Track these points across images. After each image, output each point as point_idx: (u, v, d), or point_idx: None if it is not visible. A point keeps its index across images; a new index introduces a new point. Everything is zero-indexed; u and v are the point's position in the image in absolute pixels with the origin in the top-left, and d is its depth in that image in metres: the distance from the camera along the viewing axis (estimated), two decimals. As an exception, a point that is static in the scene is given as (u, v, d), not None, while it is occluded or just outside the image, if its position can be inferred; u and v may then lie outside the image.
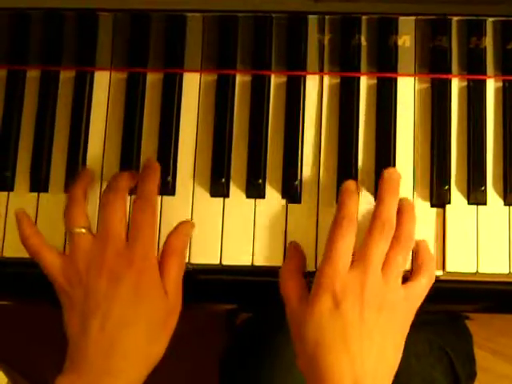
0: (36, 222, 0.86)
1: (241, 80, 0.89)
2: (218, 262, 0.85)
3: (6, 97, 0.90)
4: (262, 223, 0.85)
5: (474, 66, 0.87)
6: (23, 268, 0.86)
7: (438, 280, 0.84)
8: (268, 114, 0.88)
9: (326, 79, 0.88)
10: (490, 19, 0.86)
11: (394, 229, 0.80)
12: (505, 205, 0.85)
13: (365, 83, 0.88)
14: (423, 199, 0.85)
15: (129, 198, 0.84)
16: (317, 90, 0.88)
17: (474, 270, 0.84)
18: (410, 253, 0.82)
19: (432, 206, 0.85)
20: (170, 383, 1.20)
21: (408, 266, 0.82)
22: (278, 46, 0.88)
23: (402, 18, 0.87)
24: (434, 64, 0.88)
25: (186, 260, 0.84)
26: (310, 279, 0.81)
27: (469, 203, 0.85)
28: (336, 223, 0.80)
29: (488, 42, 0.87)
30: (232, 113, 0.88)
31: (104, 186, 0.84)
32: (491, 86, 0.87)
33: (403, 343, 0.79)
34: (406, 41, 0.88)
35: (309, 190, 0.86)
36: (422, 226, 0.83)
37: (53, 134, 0.89)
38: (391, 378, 0.77)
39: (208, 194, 0.86)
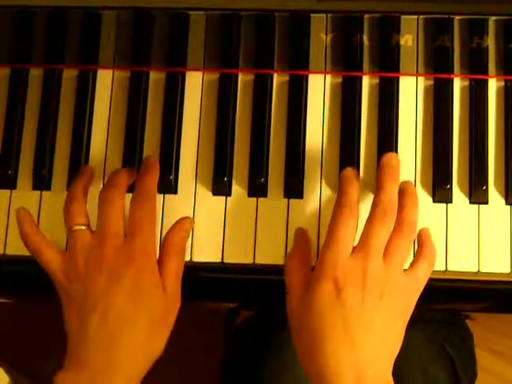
0: (38, 220, 0.86)
1: (243, 79, 0.89)
2: (219, 260, 0.85)
3: (9, 95, 0.90)
4: (263, 221, 0.85)
5: (476, 65, 0.87)
6: (26, 266, 0.86)
7: (439, 279, 0.84)
8: (270, 113, 0.88)
9: (329, 78, 0.88)
10: (493, 18, 0.86)
11: (395, 215, 0.79)
12: (506, 204, 0.85)
13: (367, 82, 0.88)
14: (425, 198, 0.85)
15: (128, 195, 0.84)
16: (319, 89, 0.88)
17: (476, 270, 0.84)
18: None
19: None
20: (170, 381, 1.20)
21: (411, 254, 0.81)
22: (281, 45, 0.88)
23: (404, 17, 0.87)
24: (436, 63, 0.88)
25: (188, 258, 0.84)
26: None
27: (470, 202, 0.85)
28: (337, 211, 0.79)
29: (490, 41, 0.87)
30: (234, 111, 0.88)
31: (106, 184, 0.85)
32: (493, 86, 0.87)
33: (404, 330, 0.78)
34: (408, 40, 0.88)
35: (310, 186, 0.86)
36: (423, 224, 0.83)
37: (55, 132, 0.89)
38: (391, 364, 0.77)
39: (210, 193, 0.87)
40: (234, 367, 1.04)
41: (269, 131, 0.87)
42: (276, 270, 0.84)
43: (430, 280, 0.81)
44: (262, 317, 1.03)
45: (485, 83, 0.87)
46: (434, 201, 0.85)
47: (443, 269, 0.84)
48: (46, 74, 0.90)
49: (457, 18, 0.87)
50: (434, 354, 1.00)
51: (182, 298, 0.81)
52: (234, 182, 0.86)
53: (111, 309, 0.78)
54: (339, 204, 0.80)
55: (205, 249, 0.85)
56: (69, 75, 0.90)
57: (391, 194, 0.80)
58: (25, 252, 0.83)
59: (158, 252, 0.82)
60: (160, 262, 0.81)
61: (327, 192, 0.86)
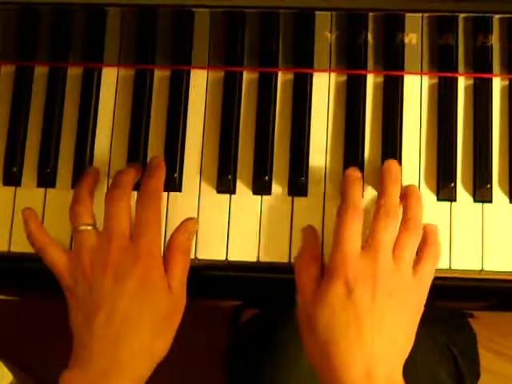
0: (43, 217, 0.87)
1: (248, 77, 0.89)
2: (224, 257, 0.85)
3: (14, 93, 0.90)
4: (268, 219, 0.85)
5: (480, 64, 0.87)
6: (30, 263, 0.86)
7: (443, 277, 0.84)
8: (275, 111, 0.88)
9: (333, 76, 0.89)
10: (497, 16, 0.86)
11: (399, 214, 0.80)
12: (510, 203, 0.85)
13: (371, 81, 0.88)
14: (429, 197, 0.85)
15: (134, 193, 0.84)
16: (324, 87, 0.88)
17: (479, 268, 0.84)
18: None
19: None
20: (174, 380, 1.20)
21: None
22: (285, 43, 0.88)
23: (408, 16, 0.87)
24: (440, 62, 0.88)
25: (193, 256, 0.84)
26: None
27: (474, 201, 0.85)
28: (341, 211, 0.80)
29: (494, 39, 0.87)
30: (239, 109, 0.88)
31: (111, 182, 0.85)
32: (497, 85, 0.88)
33: (415, 329, 0.79)
34: (412, 38, 0.88)
35: (315, 185, 0.86)
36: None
37: (60, 129, 0.89)
38: (402, 363, 0.77)
39: (214, 191, 0.87)
40: (238, 366, 1.04)
41: (273, 129, 0.87)
42: (280, 268, 0.84)
43: (434, 278, 0.81)
44: (266, 315, 1.03)
45: (489, 82, 0.87)
46: (438, 199, 0.85)
47: (447, 267, 0.84)
48: (51, 72, 0.90)
49: (461, 15, 0.87)
50: (437, 354, 1.00)
51: (187, 296, 0.82)
52: (238, 180, 0.87)
53: (117, 309, 0.78)
54: (343, 205, 0.81)
55: (209, 246, 0.85)
56: (73, 73, 0.90)
57: (394, 195, 0.81)
58: (29, 249, 0.83)
59: (162, 252, 0.82)
60: (165, 262, 0.81)
61: (331, 190, 0.86)
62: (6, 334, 1.32)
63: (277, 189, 0.86)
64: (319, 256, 0.82)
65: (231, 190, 0.86)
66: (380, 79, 0.88)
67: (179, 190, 0.87)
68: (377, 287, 0.77)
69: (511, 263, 0.84)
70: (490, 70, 0.87)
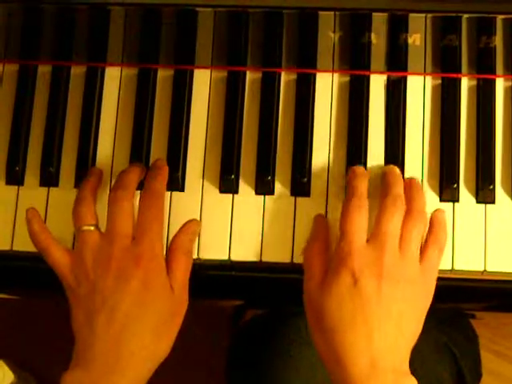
0: (46, 216, 0.87)
1: (251, 77, 0.89)
2: (226, 257, 0.85)
3: (17, 91, 0.90)
4: (270, 219, 0.85)
5: (483, 64, 0.87)
6: (32, 262, 0.86)
7: (445, 278, 0.84)
8: (278, 111, 0.88)
9: (336, 77, 0.89)
10: (501, 17, 0.86)
11: (404, 205, 0.80)
12: (513, 203, 0.85)
13: (375, 81, 0.88)
14: (432, 197, 0.85)
15: (138, 192, 0.84)
16: (327, 87, 0.88)
17: (482, 269, 0.84)
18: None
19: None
20: (175, 380, 1.20)
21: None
22: (289, 43, 0.88)
23: (412, 16, 0.87)
24: (443, 63, 0.88)
25: (195, 255, 0.84)
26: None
27: (477, 202, 0.85)
28: (347, 203, 0.80)
29: (498, 40, 0.87)
30: (242, 109, 0.88)
31: (114, 182, 0.85)
32: (501, 85, 0.87)
33: (423, 317, 0.79)
34: (416, 39, 0.88)
35: (318, 185, 0.86)
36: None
37: (63, 129, 0.89)
38: (408, 353, 0.78)
39: (217, 190, 0.87)
40: (239, 366, 1.04)
41: (276, 129, 0.87)
42: (283, 268, 0.84)
43: (437, 279, 0.81)
44: (268, 316, 1.03)
45: (492, 83, 0.87)
46: (441, 200, 0.85)
47: (450, 268, 0.84)
48: (55, 71, 0.90)
49: (465, 16, 0.87)
50: (438, 354, 1.00)
51: (189, 296, 0.82)
52: (241, 180, 0.87)
53: (119, 310, 0.78)
54: (349, 196, 0.81)
55: (212, 246, 0.85)
56: (77, 72, 0.90)
57: (398, 188, 0.82)
58: (31, 248, 0.83)
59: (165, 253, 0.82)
60: (168, 263, 0.81)
61: (334, 190, 0.86)
62: (7, 334, 1.32)
63: (280, 189, 0.86)
64: (328, 247, 0.82)
65: (234, 190, 0.86)
66: (383, 79, 0.88)
67: (182, 189, 0.87)
68: (383, 277, 0.77)
69: (514, 264, 0.84)
70: (493, 71, 0.87)
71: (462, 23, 0.87)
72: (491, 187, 0.85)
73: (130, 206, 0.82)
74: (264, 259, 0.85)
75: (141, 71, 0.90)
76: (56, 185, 0.88)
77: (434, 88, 0.88)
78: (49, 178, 0.88)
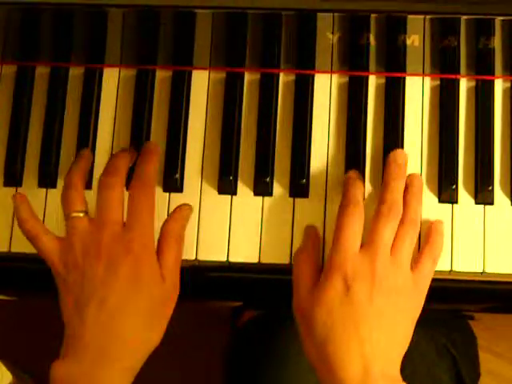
0: (44, 217, 0.86)
1: (249, 78, 0.89)
2: (225, 258, 0.85)
3: (15, 92, 0.90)
4: (269, 221, 0.85)
5: (482, 66, 0.87)
6: (30, 263, 0.86)
7: (444, 279, 0.84)
8: (276, 112, 0.88)
9: (335, 78, 0.88)
10: (499, 18, 0.86)
11: (400, 212, 0.80)
12: (512, 205, 0.85)
13: (373, 82, 0.88)
14: (430, 198, 0.85)
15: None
16: (325, 88, 0.88)
17: (481, 270, 0.84)
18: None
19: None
20: (173, 380, 1.20)
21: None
22: (287, 44, 0.88)
23: (410, 17, 0.87)
24: (442, 64, 0.88)
25: (194, 257, 0.84)
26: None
27: (476, 203, 0.85)
28: (342, 210, 0.80)
29: (497, 41, 0.87)
30: (240, 110, 0.88)
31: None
32: (499, 87, 0.87)
33: (413, 327, 0.79)
34: (414, 40, 0.88)
35: (316, 186, 0.86)
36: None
37: (61, 130, 0.89)
38: (400, 359, 0.78)
39: (216, 192, 0.87)
40: (238, 367, 1.04)
41: (274, 130, 0.87)
42: (281, 269, 0.84)
43: (435, 280, 0.81)
44: (266, 317, 1.03)
45: (491, 84, 0.87)
46: (440, 201, 0.85)
47: (448, 269, 0.84)
48: (53, 72, 0.90)
49: (463, 18, 0.87)
50: (437, 355, 1.00)
51: (187, 297, 0.81)
52: (239, 181, 0.86)
53: (109, 298, 0.77)
54: (344, 203, 0.81)
55: (210, 248, 0.85)
56: (75, 73, 0.90)
57: (396, 192, 0.81)
58: (30, 250, 0.83)
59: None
60: (159, 250, 0.80)
61: (333, 191, 0.86)
62: (5, 334, 1.32)
63: (278, 190, 0.86)
64: (318, 256, 0.82)
65: (232, 191, 0.86)
66: (382, 81, 0.88)
67: (180, 190, 0.87)
68: (375, 284, 0.77)
69: (512, 265, 0.84)
70: (492, 72, 0.87)
71: (460, 25, 0.87)
72: (490, 188, 0.85)
73: (121, 191, 0.80)
74: (262, 260, 0.85)
75: (139, 72, 0.90)
76: (54, 186, 0.88)
77: (432, 89, 0.88)
78: (47, 179, 0.88)
